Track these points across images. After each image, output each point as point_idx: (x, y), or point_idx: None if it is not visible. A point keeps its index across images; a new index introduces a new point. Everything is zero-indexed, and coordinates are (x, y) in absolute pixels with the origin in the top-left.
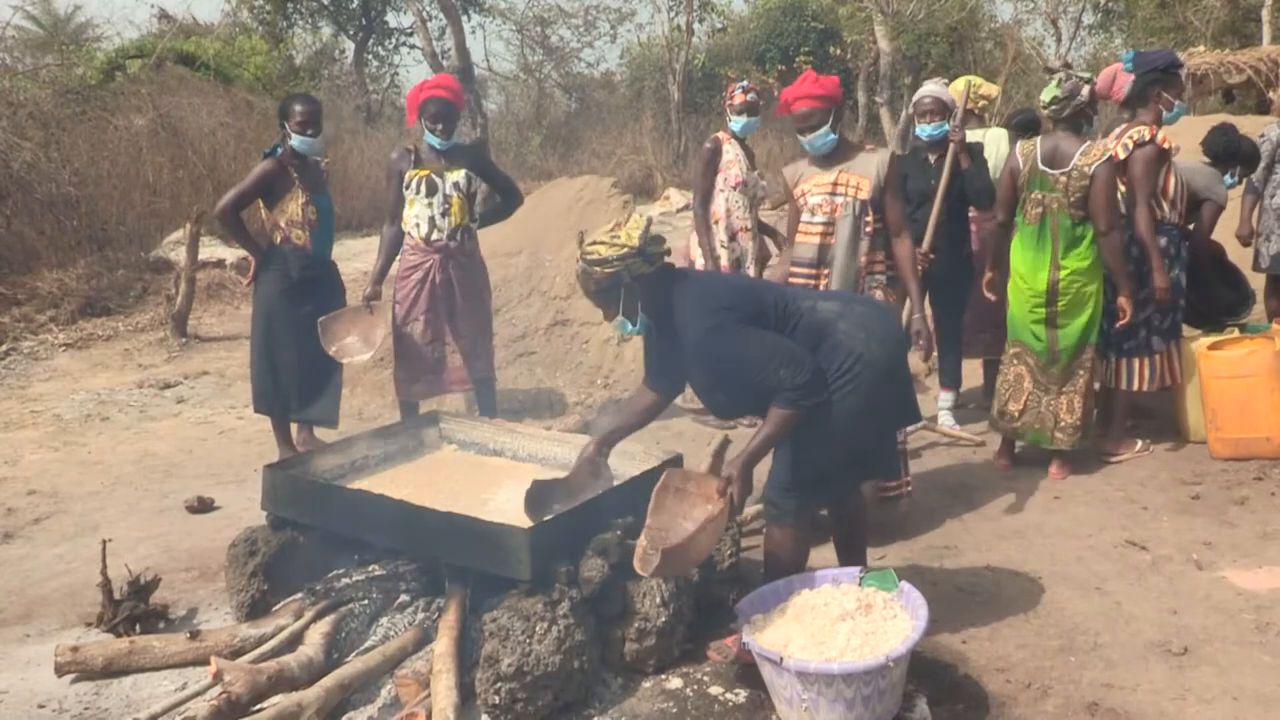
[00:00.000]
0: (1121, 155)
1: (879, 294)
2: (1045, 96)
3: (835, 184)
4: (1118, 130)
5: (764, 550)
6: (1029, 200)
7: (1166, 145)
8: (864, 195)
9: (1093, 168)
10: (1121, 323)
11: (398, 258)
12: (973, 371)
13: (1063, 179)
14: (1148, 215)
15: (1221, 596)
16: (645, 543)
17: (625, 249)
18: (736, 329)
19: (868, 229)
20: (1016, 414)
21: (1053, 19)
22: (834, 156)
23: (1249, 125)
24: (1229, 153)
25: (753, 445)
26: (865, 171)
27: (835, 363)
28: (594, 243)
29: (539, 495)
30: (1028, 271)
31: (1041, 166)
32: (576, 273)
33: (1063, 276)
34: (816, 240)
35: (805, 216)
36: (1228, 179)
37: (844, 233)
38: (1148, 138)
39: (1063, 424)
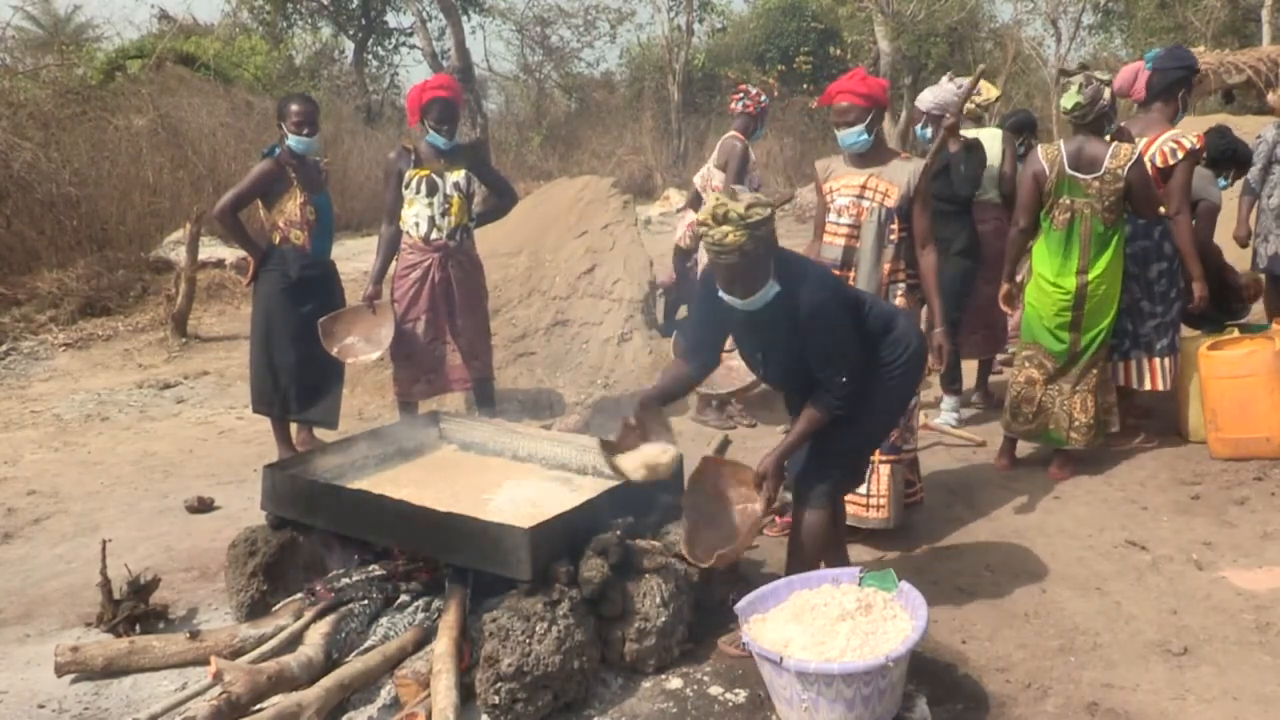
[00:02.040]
0: (1171, 161)
1: (900, 301)
2: (1067, 103)
3: (864, 187)
4: (1154, 134)
5: (794, 539)
6: (1056, 206)
7: (1203, 149)
8: (891, 203)
9: (1125, 170)
10: (1195, 306)
11: (395, 257)
12: (970, 371)
13: (1095, 183)
14: (1186, 222)
15: (1221, 596)
16: (688, 524)
17: (769, 206)
18: (841, 311)
19: (892, 237)
20: (1031, 415)
21: (1053, 19)
22: (867, 159)
23: (1249, 125)
24: (1226, 156)
25: (787, 442)
26: (896, 179)
27: (896, 352)
28: (750, 207)
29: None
30: (1055, 276)
31: (1070, 171)
32: (739, 245)
33: (1091, 280)
34: (842, 242)
35: (832, 216)
36: (1221, 181)
37: (869, 238)
38: (1197, 144)
39: (1077, 423)
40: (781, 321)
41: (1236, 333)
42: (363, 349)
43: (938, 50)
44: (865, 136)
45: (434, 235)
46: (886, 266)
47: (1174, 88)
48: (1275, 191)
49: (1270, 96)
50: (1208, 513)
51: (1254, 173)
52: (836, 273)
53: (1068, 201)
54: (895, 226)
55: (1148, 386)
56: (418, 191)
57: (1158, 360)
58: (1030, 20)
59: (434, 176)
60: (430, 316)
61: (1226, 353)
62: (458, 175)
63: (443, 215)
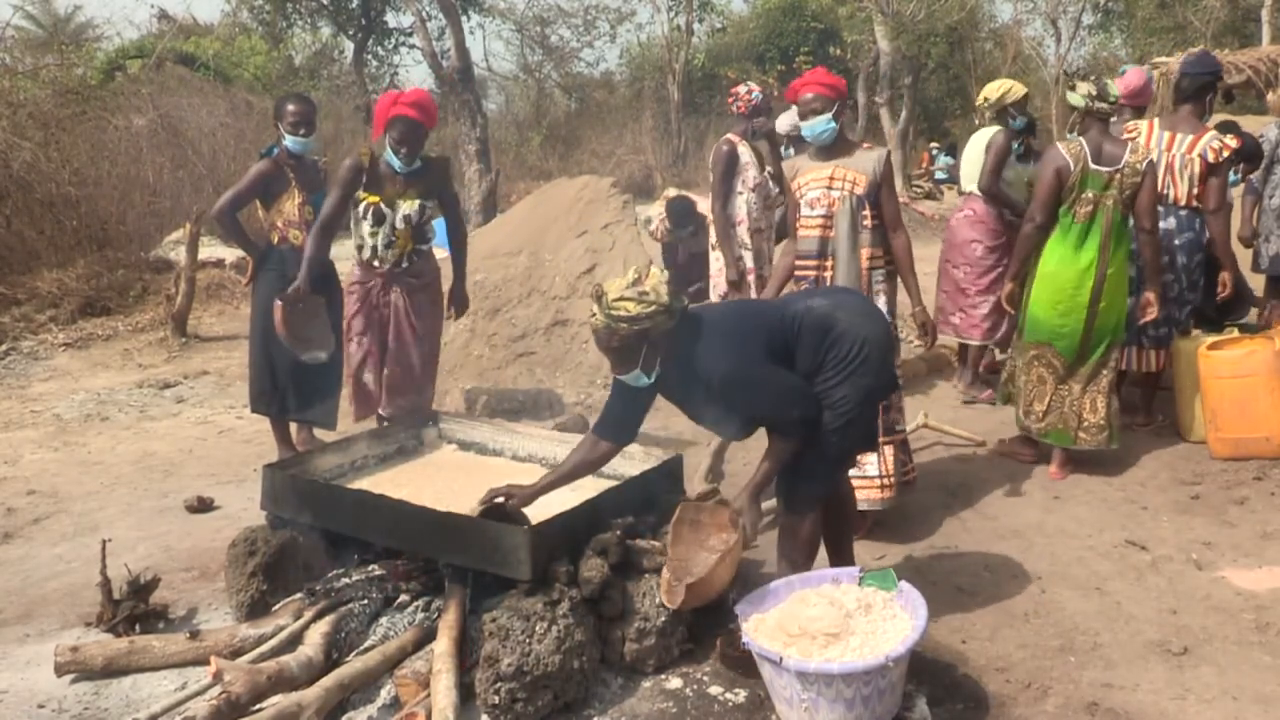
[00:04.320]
0: (1219, 159)
1: (883, 287)
2: (1114, 90)
3: (832, 178)
4: (1193, 132)
5: (784, 545)
6: (1079, 200)
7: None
8: (860, 190)
9: (1144, 165)
10: (1149, 318)
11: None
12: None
13: (1115, 176)
14: (1226, 217)
15: (1221, 596)
16: (668, 574)
17: (655, 306)
18: (761, 367)
19: (865, 223)
20: (1041, 414)
21: (1053, 19)
22: (832, 151)
23: (1249, 126)
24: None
25: (758, 477)
26: (862, 168)
27: (844, 349)
28: (620, 299)
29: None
30: (1071, 271)
31: (1094, 165)
32: (597, 327)
33: (1110, 274)
34: (817, 233)
35: (804, 210)
36: (1232, 176)
37: (843, 227)
38: (1238, 145)
39: (1086, 424)
40: (699, 395)
41: (1236, 333)
42: (300, 345)
43: (938, 50)
44: (832, 125)
45: (375, 263)
46: (865, 253)
47: (1202, 91)
48: (1277, 192)
49: (1270, 96)
50: (1208, 513)
51: (1257, 172)
52: (814, 263)
53: (1090, 195)
54: (867, 213)
55: (1157, 368)
56: (364, 217)
57: (1156, 347)
58: (1030, 20)
59: (383, 207)
60: (366, 341)
61: (1226, 353)
62: (410, 207)
63: (387, 247)
